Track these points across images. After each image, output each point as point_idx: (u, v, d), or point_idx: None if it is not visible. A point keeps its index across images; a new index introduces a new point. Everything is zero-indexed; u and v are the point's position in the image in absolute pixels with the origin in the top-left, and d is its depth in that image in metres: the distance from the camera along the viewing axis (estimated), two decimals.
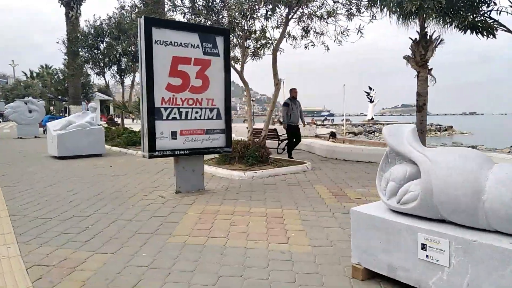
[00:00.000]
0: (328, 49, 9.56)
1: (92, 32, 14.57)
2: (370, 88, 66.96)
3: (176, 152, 5.87)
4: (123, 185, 6.90)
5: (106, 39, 14.66)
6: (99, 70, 15.50)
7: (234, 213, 4.84)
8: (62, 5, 22.06)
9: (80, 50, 15.26)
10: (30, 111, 21.23)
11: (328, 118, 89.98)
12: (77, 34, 15.26)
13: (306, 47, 9.72)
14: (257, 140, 8.92)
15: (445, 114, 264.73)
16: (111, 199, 5.78)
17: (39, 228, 4.37)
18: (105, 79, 16.05)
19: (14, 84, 52.58)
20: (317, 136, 29.39)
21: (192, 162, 6.19)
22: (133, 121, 29.03)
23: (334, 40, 9.19)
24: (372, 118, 66.21)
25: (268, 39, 9.17)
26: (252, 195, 5.88)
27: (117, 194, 6.14)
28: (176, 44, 5.82)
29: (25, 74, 70.13)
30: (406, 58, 11.63)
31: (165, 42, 5.72)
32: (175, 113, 5.88)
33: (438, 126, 60.45)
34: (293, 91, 10.04)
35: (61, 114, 27.95)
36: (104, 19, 14.72)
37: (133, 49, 14.33)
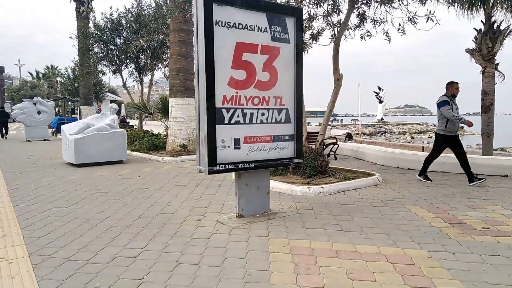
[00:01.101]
0: (390, 40, 8.23)
1: (109, 25, 13.28)
2: (380, 88, 65.52)
3: (240, 166, 4.55)
4: (164, 203, 5.59)
5: (124, 34, 13.38)
6: (115, 68, 14.22)
7: (338, 254, 3.51)
8: (72, 0, 20.86)
9: (95, 46, 13.99)
10: (39, 112, 20.04)
11: (336, 118, 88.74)
12: (89, 29, 13.97)
13: (362, 37, 8.39)
14: (313, 146, 7.59)
15: None
16: (158, 227, 4.47)
17: (73, 280, 3.06)
18: (122, 78, 14.76)
19: (20, 84, 51.59)
20: (332, 137, 28.10)
21: (257, 178, 4.87)
22: (145, 123, 27.71)
23: (398, 29, 7.85)
24: (382, 119, 64.79)
25: (330, 23, 7.82)
26: (339, 222, 4.55)
27: (162, 218, 4.83)
28: (240, 26, 4.51)
29: (31, 74, 69.23)
30: (470, 51, 10.27)
31: (228, 23, 4.41)
32: (238, 116, 4.57)
33: None
34: (453, 86, 6.86)
35: (66, 115, 26.77)
36: (121, 12, 13.45)
37: (154, 45, 13.06)
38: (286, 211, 5.04)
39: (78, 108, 20.71)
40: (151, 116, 13.38)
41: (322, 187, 6.02)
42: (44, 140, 19.59)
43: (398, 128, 56.02)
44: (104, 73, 14.59)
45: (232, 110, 4.52)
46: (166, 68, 15.74)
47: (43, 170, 9.01)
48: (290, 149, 5.03)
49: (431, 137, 47.21)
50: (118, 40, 13.68)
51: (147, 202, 5.67)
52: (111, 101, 32.11)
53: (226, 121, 4.48)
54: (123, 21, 13.22)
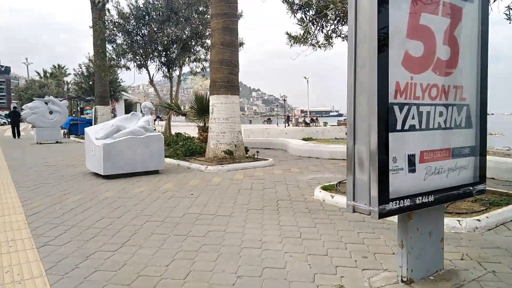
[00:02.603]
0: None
1: (134, 13, 11.51)
2: None
3: (417, 200, 2.75)
4: (257, 245, 3.79)
5: (152, 23, 11.59)
6: (140, 62, 12.45)
7: None
8: None
9: (117, 37, 12.24)
10: (51, 112, 18.39)
11: (345, 119, 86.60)
12: (112, 18, 12.20)
13: None
14: None
15: None
16: None
17: None
18: (148, 73, 12.99)
19: (28, 83, 50.14)
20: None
21: (430, 218, 3.06)
22: (157, 123, 25.90)
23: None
24: None
25: None
26: None
27: (277, 283, 3.03)
28: None
29: (38, 73, 67.93)
30: None
31: None
32: (413, 117, 2.77)
33: None
34: None
35: (73, 115, 25.07)
36: None
37: (185, 35, 11.28)
38: (465, 266, 3.23)
39: (94, 107, 19.01)
40: (185, 116, 11.63)
41: (477, 220, 4.19)
42: (57, 142, 17.95)
43: None
44: (128, 68, 12.85)
45: (406, 108, 2.71)
46: (196, 62, 13.99)
47: (66, 184, 7.27)
48: (470, 168, 3.21)
49: None
50: (144, 30, 11.91)
51: (230, 243, 3.88)
52: (125, 100, 30.50)
53: (399, 126, 2.68)
54: (151, 8, 11.43)
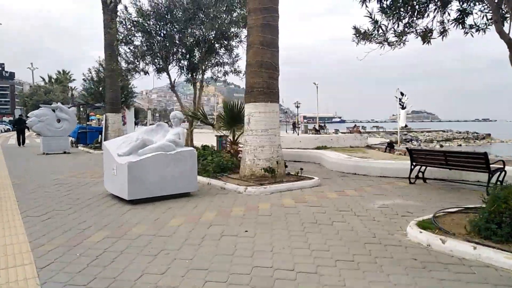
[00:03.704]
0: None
1: (156, 9, 10.22)
2: (402, 94, 62.30)
3: None
4: None
5: (175, 22, 10.31)
6: (160, 66, 11.16)
7: None
8: None
9: (135, 37, 10.96)
10: (58, 121, 17.14)
11: (357, 125, 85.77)
12: (130, 16, 10.93)
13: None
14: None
15: (457, 121, 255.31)
16: None
17: None
18: (169, 78, 11.68)
19: (33, 89, 49.03)
20: (369, 146, 24.56)
21: None
22: None
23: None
24: (406, 126, 61.49)
25: None
26: None
27: None
28: None
29: (43, 79, 66.93)
30: None
31: None
32: None
33: (475, 134, 55.06)
34: None
35: (81, 122, 23.77)
36: None
37: (212, 36, 10.00)
38: None
39: (104, 115, 17.76)
40: (212, 127, 10.31)
41: None
42: (64, 153, 16.66)
43: (424, 135, 53.02)
44: (146, 73, 11.54)
45: None
46: (218, 66, 12.69)
47: (83, 212, 5.95)
48: None
49: (460, 145, 43.98)
50: (165, 30, 10.62)
51: None
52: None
53: None
54: (176, 4, 10.14)
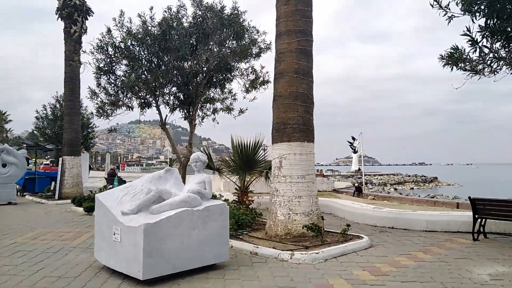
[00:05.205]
0: None
1: (153, 32, 8.47)
2: (353, 138, 63.98)
3: None
4: None
5: (174, 47, 8.60)
6: (145, 100, 9.25)
7: None
8: (60, 19, 16.07)
9: (116, 66, 9.07)
10: (4, 165, 14.28)
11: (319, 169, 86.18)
12: (114, 41, 9.11)
13: None
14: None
15: (396, 164, 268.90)
16: None
17: None
18: (159, 113, 9.70)
19: None
20: (335, 190, 23.31)
21: None
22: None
23: None
24: (359, 169, 62.39)
25: None
26: None
27: None
28: None
29: None
30: None
31: None
32: None
33: (424, 178, 56.89)
34: None
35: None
36: (170, 11, 8.70)
37: (213, 65, 8.44)
38: None
39: (61, 158, 15.12)
40: (217, 172, 8.45)
41: None
42: (9, 203, 13.65)
43: (377, 178, 53.65)
44: (129, 107, 9.50)
45: None
46: (209, 104, 11.03)
47: None
48: None
49: (412, 189, 44.77)
50: (160, 57, 8.87)
51: None
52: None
53: None
54: (174, 26, 8.50)
